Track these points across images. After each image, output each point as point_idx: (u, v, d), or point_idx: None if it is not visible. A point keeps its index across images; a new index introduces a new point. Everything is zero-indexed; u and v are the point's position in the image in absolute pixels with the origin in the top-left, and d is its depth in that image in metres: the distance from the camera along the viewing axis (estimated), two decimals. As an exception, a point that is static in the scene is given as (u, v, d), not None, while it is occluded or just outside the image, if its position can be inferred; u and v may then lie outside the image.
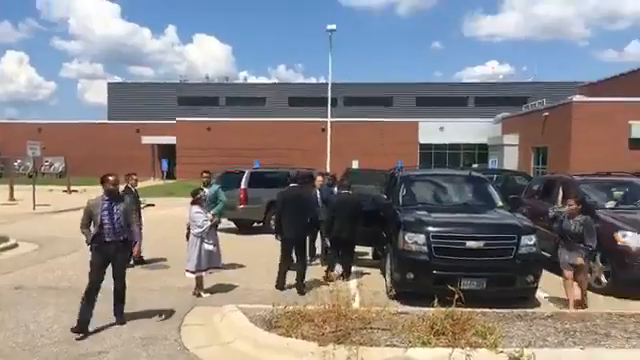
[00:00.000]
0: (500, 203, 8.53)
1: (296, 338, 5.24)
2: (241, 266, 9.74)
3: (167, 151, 41.51)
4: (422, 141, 40.72)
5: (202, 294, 7.65)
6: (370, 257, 10.49)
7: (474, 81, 59.96)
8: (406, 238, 7.22)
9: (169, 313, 6.65)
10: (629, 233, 7.71)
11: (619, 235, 7.76)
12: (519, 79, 57.75)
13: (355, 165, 31.18)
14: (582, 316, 6.10)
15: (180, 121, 41.20)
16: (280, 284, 8.04)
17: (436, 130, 40.54)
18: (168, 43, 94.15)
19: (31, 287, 8.01)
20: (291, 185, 8.51)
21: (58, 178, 38.79)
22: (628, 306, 6.99)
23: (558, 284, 8.43)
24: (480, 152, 40.33)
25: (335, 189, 10.68)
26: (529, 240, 7.16)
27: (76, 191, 28.71)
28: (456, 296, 5.64)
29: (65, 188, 28.63)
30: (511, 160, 34.12)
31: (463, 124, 40.83)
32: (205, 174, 9.48)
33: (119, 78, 67.19)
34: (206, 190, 8.56)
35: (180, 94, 53.35)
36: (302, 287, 7.91)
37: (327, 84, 31.15)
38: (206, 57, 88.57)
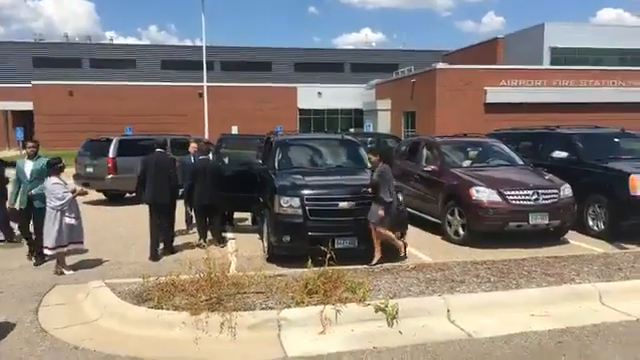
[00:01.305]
0: (369, 164, 8.89)
1: (168, 309, 5.07)
2: (111, 239, 9.15)
3: (23, 118, 37.36)
4: (301, 106, 41.19)
5: (65, 271, 7.07)
6: (250, 223, 10.47)
7: (349, 47, 61.59)
8: (282, 202, 7.27)
9: (26, 294, 6.06)
10: (481, 189, 8.49)
11: (473, 191, 8.51)
12: (390, 47, 60.44)
13: (234, 131, 30.70)
14: (441, 266, 6.65)
15: (37, 84, 37.17)
16: (153, 253, 7.82)
17: (314, 96, 41.20)
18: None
19: None
20: (157, 150, 8.29)
21: None
22: (482, 255, 7.73)
23: (424, 238, 9.16)
24: (356, 117, 41.88)
25: (211, 155, 10.41)
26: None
27: None
28: (328, 255, 5.86)
29: None
30: (384, 124, 35.91)
31: (340, 90, 41.94)
32: (30, 144, 8.03)
33: (-41, 35, 58.65)
34: (31, 164, 7.67)
35: (36, 54, 47.96)
36: (157, 255, 7.86)
37: (202, 47, 29.93)
38: (65, 14, 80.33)
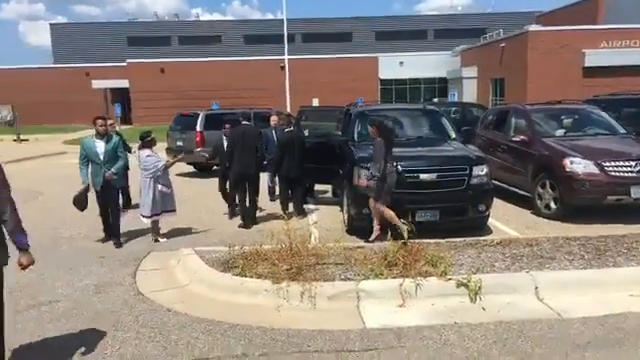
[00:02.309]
0: (453, 135, 8.60)
1: (251, 277, 5.26)
2: (200, 209, 9.63)
3: (120, 95, 39.92)
4: (382, 77, 40.45)
5: (159, 239, 7.56)
6: (330, 195, 10.56)
7: (433, 13, 59.25)
8: (361, 174, 7.23)
9: (125, 260, 6.56)
10: (576, 159, 7.93)
11: (567, 162, 7.97)
12: (477, 10, 57.37)
13: (315, 103, 30.84)
14: (530, 241, 6.33)
15: (132, 63, 39.42)
16: (244, 222, 8.25)
17: (396, 65, 40.21)
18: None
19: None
20: (243, 122, 8.60)
21: (8, 127, 36.99)
22: (575, 230, 7.28)
23: (511, 212, 8.78)
24: (440, 86, 40.47)
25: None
26: (480, 170, 7.29)
27: (27, 140, 27.60)
28: (407, 228, 5.78)
29: (15, 137, 27.44)
30: (470, 93, 34.43)
31: (423, 58, 40.58)
32: (100, 121, 7.18)
33: (63, 18, 63.19)
34: (102, 144, 7.15)
35: (130, 34, 50.69)
36: (250, 222, 8.24)
37: (283, 20, 30.12)
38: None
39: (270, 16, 63.01)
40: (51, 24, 53.09)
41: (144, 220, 7.49)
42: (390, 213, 6.62)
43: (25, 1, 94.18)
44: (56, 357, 4.05)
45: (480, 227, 7.51)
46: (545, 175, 8.43)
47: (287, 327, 4.44)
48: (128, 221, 7.96)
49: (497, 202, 8.73)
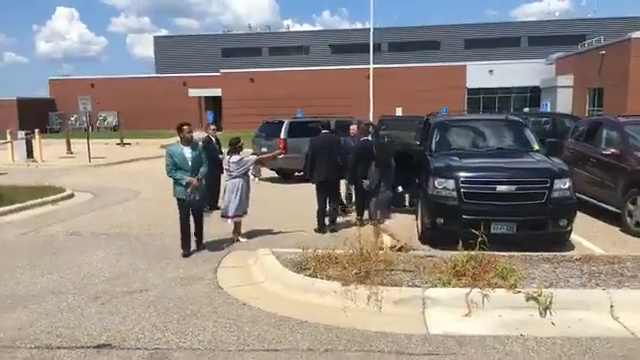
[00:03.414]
0: (536, 147, 8.35)
1: (322, 279, 5.51)
2: (280, 212, 10.07)
3: (213, 103, 42.19)
4: (470, 85, 39.46)
5: (240, 239, 8.04)
6: (407, 203, 10.59)
7: (527, 19, 56.78)
8: (436, 183, 7.26)
9: (209, 256, 7.07)
10: (672, 175, 7.41)
11: (661, 178, 7.48)
12: (577, 16, 54.21)
13: (399, 112, 30.74)
14: (612, 259, 6.04)
15: (224, 73, 41.58)
16: (320, 225, 8.55)
17: (485, 74, 39.06)
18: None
19: (85, 233, 8.66)
20: (322, 132, 8.85)
21: (113, 131, 40.36)
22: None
23: (598, 228, 8.36)
24: (532, 95, 38.74)
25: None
26: (562, 184, 7.04)
27: (129, 144, 29.97)
28: (479, 239, 5.74)
29: (119, 141, 29.88)
30: (565, 103, 32.65)
31: (514, 66, 39.05)
32: (186, 127, 7.15)
33: (166, 31, 67.88)
34: (189, 151, 7.16)
35: (224, 45, 53.41)
36: (325, 227, 8.51)
37: (370, 30, 30.38)
38: (249, 6, 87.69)
39: (359, 25, 63.40)
40: (154, 36, 57.29)
41: (228, 221, 8.00)
42: (389, 230, 7.14)
43: (133, 15, 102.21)
44: (142, 339, 4.52)
45: (561, 242, 7.25)
46: (636, 191, 7.95)
47: (352, 327, 4.63)
48: (212, 221, 8.52)
49: (584, 218, 8.38)
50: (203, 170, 7.31)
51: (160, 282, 6.04)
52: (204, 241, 7.59)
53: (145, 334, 4.59)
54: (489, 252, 5.81)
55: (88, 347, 4.34)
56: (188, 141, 7.20)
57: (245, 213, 8.07)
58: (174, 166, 7.11)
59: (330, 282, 5.38)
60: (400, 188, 9.07)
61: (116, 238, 8.20)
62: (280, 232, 8.48)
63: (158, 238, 8.24)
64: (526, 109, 33.26)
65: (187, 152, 7.14)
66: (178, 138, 7.26)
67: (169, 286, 5.89)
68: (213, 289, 5.78)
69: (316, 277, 5.57)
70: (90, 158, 20.50)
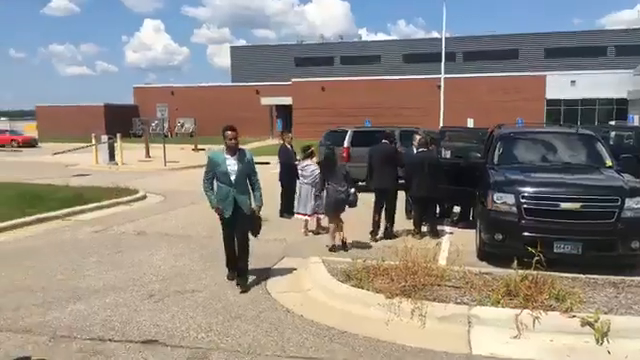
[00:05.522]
0: (609, 163, 7.83)
1: (367, 290, 5.45)
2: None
3: (283, 111, 43.10)
4: (549, 97, 37.74)
5: (308, 234, 8.94)
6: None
7: (616, 28, 53.45)
8: (495, 198, 6.99)
9: (261, 262, 7.20)
10: None
11: None
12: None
13: (470, 124, 29.91)
14: (688, 287, 5.53)
15: (295, 82, 42.41)
16: (372, 233, 8.58)
17: (566, 84, 37.28)
18: (288, 3, 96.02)
19: (150, 233, 9.12)
20: (382, 141, 8.93)
21: (189, 137, 42.25)
22: None
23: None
24: (618, 108, 36.41)
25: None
26: (635, 203, 6.54)
27: (203, 149, 31.25)
28: (536, 258, 5.46)
29: (194, 146, 31.25)
30: (654, 116, 30.38)
31: (599, 77, 36.98)
32: (230, 133, 5.88)
33: (244, 42, 70.36)
34: (234, 162, 5.91)
35: (296, 55, 54.54)
36: (375, 234, 8.57)
37: (442, 39, 29.89)
38: (325, 16, 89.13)
39: (436, 34, 62.38)
40: (231, 47, 59.57)
41: (304, 217, 8.93)
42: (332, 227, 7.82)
43: (214, 27, 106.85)
44: (187, 337, 4.68)
45: (631, 266, 6.72)
46: None
47: (392, 341, 4.55)
48: (270, 227, 8.69)
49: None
50: (259, 194, 6.07)
51: (212, 284, 6.23)
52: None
53: (190, 333, 4.76)
54: (548, 272, 5.51)
55: (136, 342, 4.57)
56: (232, 150, 5.91)
57: (319, 214, 8.69)
58: (211, 178, 5.96)
59: (374, 294, 5.32)
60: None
61: (178, 240, 8.57)
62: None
63: (216, 242, 8.45)
64: (612, 122, 31.24)
65: (230, 163, 5.87)
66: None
67: (220, 288, 6.06)
68: (261, 294, 5.88)
69: (362, 288, 5.53)
70: (165, 162, 21.59)
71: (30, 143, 38.82)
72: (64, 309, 5.35)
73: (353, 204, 7.89)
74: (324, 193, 8.10)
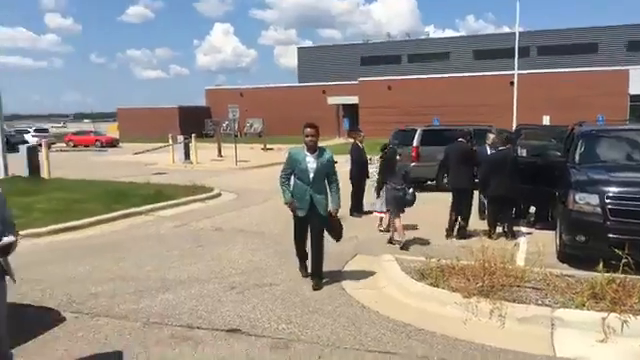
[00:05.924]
0: None
1: (443, 289, 5.44)
2: (412, 220, 10.01)
3: (350, 110, 43.20)
4: (633, 92, 35.37)
5: (381, 229, 9.09)
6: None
7: None
8: (577, 198, 6.74)
9: (335, 258, 7.33)
10: None
11: None
12: None
13: (546, 121, 28.70)
14: None
15: (362, 81, 42.38)
16: (448, 232, 8.62)
17: (652, 78, 34.77)
18: (354, 3, 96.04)
19: (226, 229, 9.52)
20: (458, 140, 8.90)
21: (258, 137, 43.34)
22: None
23: None
24: None
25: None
26: None
27: (271, 149, 31.98)
28: (623, 260, 5.22)
29: (263, 146, 32.06)
30: None
31: (691, 70, 34.23)
32: (310, 130, 5.81)
33: (310, 42, 71.20)
34: (313, 160, 5.86)
35: (363, 54, 54.40)
36: (450, 233, 8.59)
37: (515, 34, 28.83)
38: (391, 14, 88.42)
39: (507, 29, 60.21)
40: (298, 47, 60.39)
41: (380, 214, 9.17)
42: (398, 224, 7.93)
43: (281, 28, 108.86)
44: (268, 328, 4.88)
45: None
46: None
47: (470, 340, 4.52)
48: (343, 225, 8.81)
49: None
50: (338, 196, 6.01)
51: (288, 279, 6.43)
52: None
53: (271, 324, 4.96)
54: (637, 276, 5.26)
55: (221, 330, 4.82)
56: (312, 148, 5.84)
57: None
58: (289, 175, 5.99)
59: (451, 293, 5.30)
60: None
61: (253, 235, 8.89)
62: (411, 238, 8.44)
63: (290, 239, 8.57)
64: None
65: (309, 161, 5.83)
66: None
67: (295, 284, 6.24)
68: (336, 290, 6.00)
69: (437, 286, 5.52)
70: (237, 161, 22.31)
71: (112, 143, 41.48)
72: (154, 298, 5.73)
73: (410, 203, 8.11)
74: (382, 192, 8.45)
